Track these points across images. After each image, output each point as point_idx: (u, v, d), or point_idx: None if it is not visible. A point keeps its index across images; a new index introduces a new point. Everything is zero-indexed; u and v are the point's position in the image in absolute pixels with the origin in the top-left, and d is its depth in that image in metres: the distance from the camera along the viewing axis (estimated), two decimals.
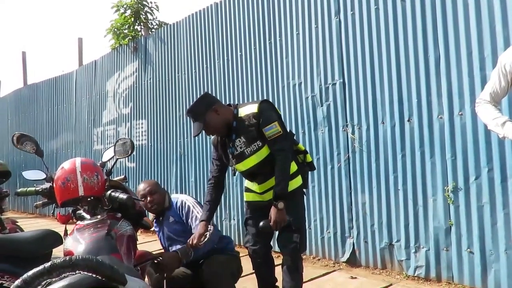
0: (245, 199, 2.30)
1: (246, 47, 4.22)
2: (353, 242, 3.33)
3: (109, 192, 1.64)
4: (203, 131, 2.11)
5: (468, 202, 2.70)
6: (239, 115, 2.07)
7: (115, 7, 6.81)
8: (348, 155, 3.33)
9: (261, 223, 2.02)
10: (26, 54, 9.02)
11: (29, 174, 1.98)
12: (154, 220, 2.43)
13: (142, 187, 2.36)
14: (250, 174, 2.15)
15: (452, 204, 2.77)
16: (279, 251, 2.12)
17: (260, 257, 2.20)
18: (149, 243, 4.60)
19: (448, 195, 2.77)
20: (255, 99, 4.09)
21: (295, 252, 2.06)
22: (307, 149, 3.60)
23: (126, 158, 5.63)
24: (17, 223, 2.95)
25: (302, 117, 3.70)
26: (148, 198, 2.29)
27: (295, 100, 3.76)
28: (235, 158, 2.09)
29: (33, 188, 1.85)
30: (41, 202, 1.86)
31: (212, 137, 2.25)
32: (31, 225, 6.18)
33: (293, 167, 2.11)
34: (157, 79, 5.35)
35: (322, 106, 3.55)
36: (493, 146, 2.58)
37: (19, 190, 1.94)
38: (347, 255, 3.37)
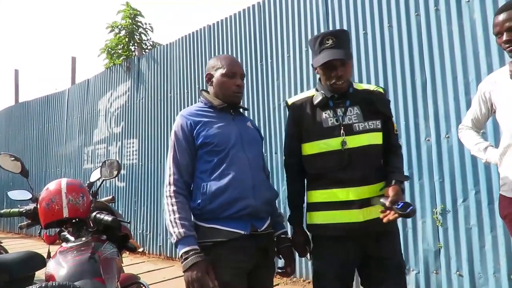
0: (317, 221, 1.59)
1: None
2: None
3: (94, 213, 1.62)
4: (332, 71, 1.55)
5: (457, 225, 2.71)
6: (354, 86, 1.65)
7: (109, 27, 6.90)
8: None
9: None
10: (19, 72, 9.04)
11: (15, 194, 1.95)
12: (217, 108, 1.63)
13: (237, 63, 1.68)
14: (353, 162, 1.53)
15: (441, 227, 2.78)
16: None
17: None
18: (137, 265, 4.52)
19: (437, 217, 2.79)
20: None
21: None
22: None
23: (116, 177, 5.58)
24: (1, 244, 2.88)
25: None
26: (239, 81, 1.63)
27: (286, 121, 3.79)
28: (345, 129, 1.55)
29: (16, 209, 1.82)
30: (25, 223, 1.83)
31: (293, 99, 1.71)
32: (16, 245, 6.03)
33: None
34: (149, 99, 5.37)
35: None
36: (479, 169, 2.62)
37: (2, 211, 1.91)
38: None
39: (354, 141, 1.53)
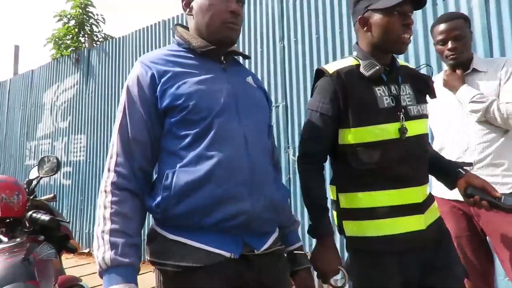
0: (377, 233, 1.18)
1: None
2: None
3: (30, 213, 1.53)
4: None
5: None
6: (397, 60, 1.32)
7: (57, 16, 6.55)
8: (289, 176, 3.41)
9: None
10: None
11: None
12: (198, 52, 1.07)
13: None
14: (412, 154, 1.20)
15: None
16: None
17: None
18: (82, 266, 4.33)
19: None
20: None
21: None
22: None
23: (61, 174, 5.31)
24: None
25: None
26: (234, 5, 1.07)
27: None
28: (403, 112, 1.20)
29: None
30: None
31: (334, 67, 1.24)
32: None
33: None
34: (100, 93, 5.16)
35: None
36: None
37: None
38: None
39: (412, 129, 1.20)
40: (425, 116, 1.27)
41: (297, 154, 3.11)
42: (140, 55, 4.72)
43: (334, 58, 3.24)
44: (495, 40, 2.50)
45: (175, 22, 4.41)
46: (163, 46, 4.51)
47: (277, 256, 1.06)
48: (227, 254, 0.94)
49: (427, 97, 1.32)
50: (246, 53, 3.80)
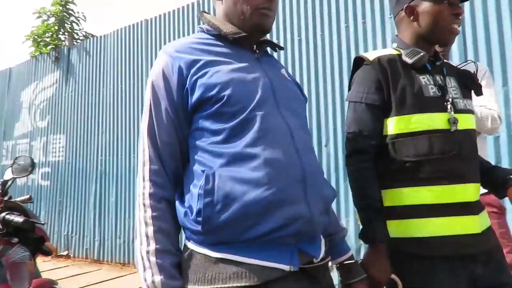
0: (426, 233, 1.06)
1: None
2: None
3: (3, 214, 1.50)
4: None
5: None
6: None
7: (37, 13, 6.41)
8: None
9: None
10: None
11: None
12: (228, 40, 0.97)
13: None
14: (462, 148, 1.10)
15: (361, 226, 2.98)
16: None
17: None
18: (60, 269, 4.25)
19: (358, 217, 2.98)
20: None
21: None
22: None
23: (40, 175, 5.19)
24: None
25: None
26: None
27: None
28: (452, 103, 1.12)
29: None
30: None
31: (375, 54, 1.18)
32: None
33: None
34: (80, 92, 5.07)
35: None
36: None
37: None
38: None
39: (461, 121, 1.11)
40: (471, 111, 1.18)
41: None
42: (121, 54, 4.68)
43: (316, 60, 3.28)
44: (469, 46, 2.59)
45: (157, 23, 4.38)
46: (145, 45, 4.47)
47: (325, 268, 0.93)
48: (285, 268, 0.81)
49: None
50: None
